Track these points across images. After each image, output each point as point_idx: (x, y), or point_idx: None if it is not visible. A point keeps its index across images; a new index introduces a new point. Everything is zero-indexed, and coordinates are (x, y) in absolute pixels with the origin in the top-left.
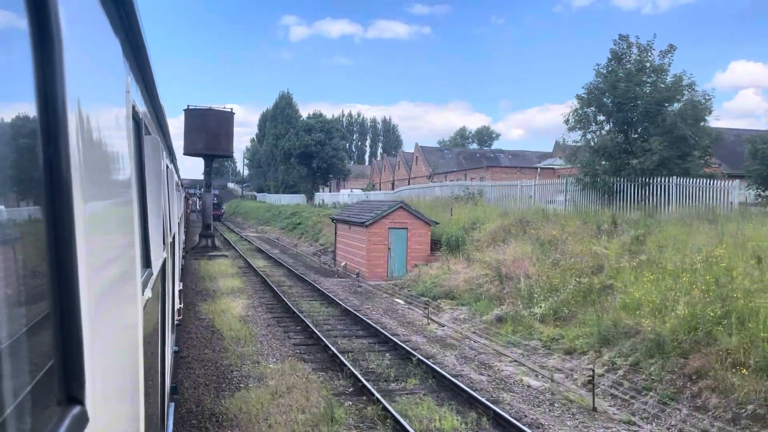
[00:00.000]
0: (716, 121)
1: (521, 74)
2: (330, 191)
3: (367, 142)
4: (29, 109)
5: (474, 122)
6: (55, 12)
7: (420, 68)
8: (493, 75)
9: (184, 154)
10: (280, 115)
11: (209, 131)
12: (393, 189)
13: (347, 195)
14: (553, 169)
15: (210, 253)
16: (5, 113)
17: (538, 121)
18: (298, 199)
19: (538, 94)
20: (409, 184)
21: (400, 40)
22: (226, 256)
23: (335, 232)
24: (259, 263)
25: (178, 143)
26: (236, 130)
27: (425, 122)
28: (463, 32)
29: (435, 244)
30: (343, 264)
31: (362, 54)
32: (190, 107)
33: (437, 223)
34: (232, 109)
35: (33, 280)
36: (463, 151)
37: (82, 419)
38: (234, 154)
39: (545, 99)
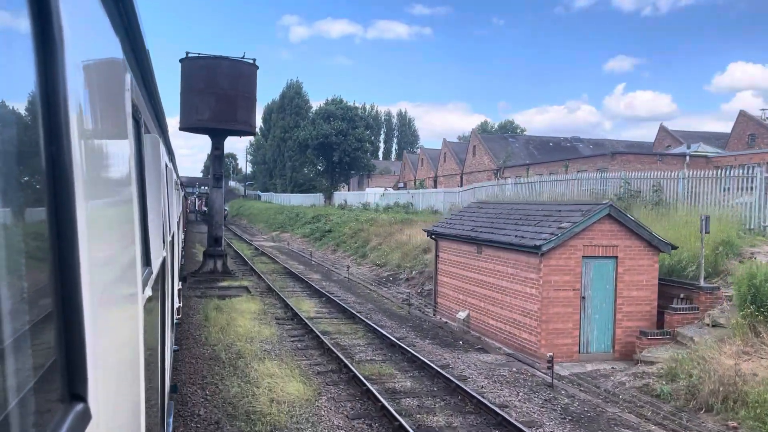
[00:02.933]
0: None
1: (520, 75)
2: (348, 190)
3: (381, 137)
4: (30, 107)
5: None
6: (56, 11)
7: (420, 69)
8: (493, 76)
9: (181, 128)
10: (288, 106)
11: (220, 93)
12: (435, 186)
13: (380, 194)
14: (706, 157)
15: (221, 284)
16: (6, 112)
17: (537, 122)
18: (311, 199)
19: (536, 96)
20: (462, 180)
21: (401, 41)
22: (248, 290)
23: (436, 258)
24: (305, 306)
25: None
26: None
27: (425, 123)
28: (464, 33)
29: (668, 292)
30: (462, 317)
31: (362, 54)
32: (190, 55)
33: (674, 247)
34: (254, 60)
35: (36, 278)
36: (531, 139)
37: (85, 416)
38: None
39: (543, 101)
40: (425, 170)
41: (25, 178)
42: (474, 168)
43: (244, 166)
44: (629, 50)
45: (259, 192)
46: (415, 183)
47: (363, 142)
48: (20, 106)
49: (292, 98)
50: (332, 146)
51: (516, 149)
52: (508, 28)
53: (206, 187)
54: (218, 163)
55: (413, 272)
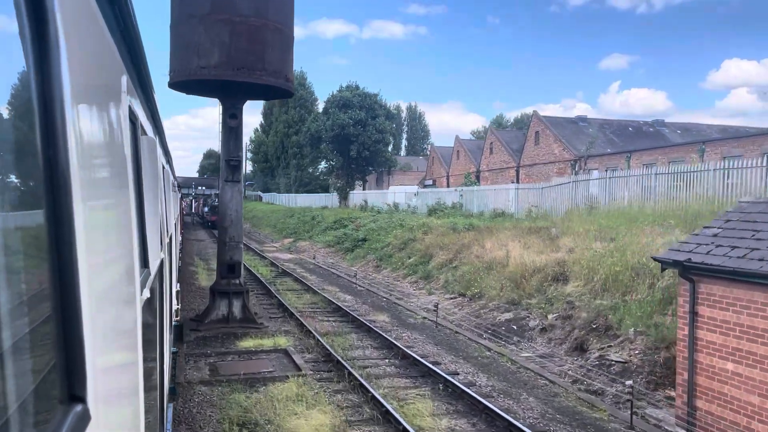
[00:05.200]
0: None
1: (516, 74)
2: (364, 189)
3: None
4: (26, 109)
5: (469, 122)
6: (52, 13)
7: (415, 68)
8: (488, 75)
9: (172, 84)
10: (292, 98)
11: (238, 21)
12: (478, 181)
13: (413, 193)
14: None
15: (242, 344)
16: (2, 114)
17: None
18: (323, 199)
19: (531, 95)
20: (518, 174)
21: (396, 40)
22: (291, 360)
23: (693, 318)
24: (424, 415)
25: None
26: None
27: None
28: (459, 32)
29: None
30: None
31: (358, 54)
32: None
33: None
34: None
35: (34, 280)
36: (606, 123)
37: (84, 418)
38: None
39: (539, 99)
40: (461, 164)
41: (22, 181)
42: (537, 159)
43: (244, 164)
44: (624, 48)
45: (260, 192)
46: (447, 180)
47: (384, 134)
48: (16, 109)
49: (296, 90)
50: (349, 139)
51: (589, 134)
52: (503, 27)
53: (204, 188)
54: (235, 141)
55: (550, 317)
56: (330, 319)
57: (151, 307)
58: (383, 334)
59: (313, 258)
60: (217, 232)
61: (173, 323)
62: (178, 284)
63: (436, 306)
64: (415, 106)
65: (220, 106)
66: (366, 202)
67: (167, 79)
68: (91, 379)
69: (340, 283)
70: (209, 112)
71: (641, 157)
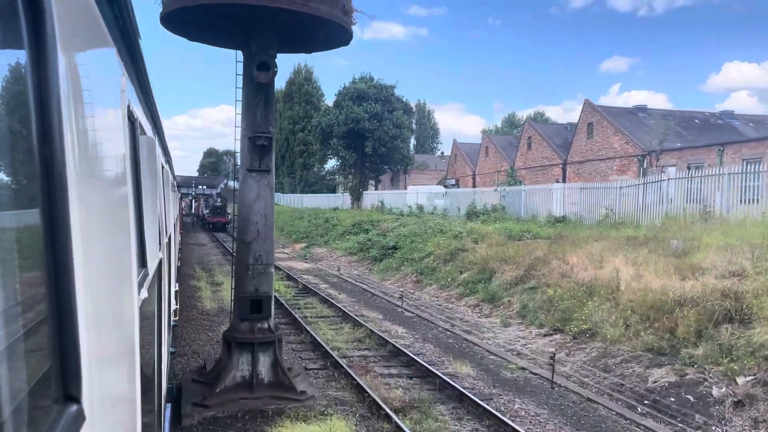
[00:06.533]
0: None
1: (516, 76)
2: (376, 188)
3: None
4: (24, 109)
5: (469, 124)
6: (50, 12)
7: (416, 70)
8: (488, 77)
9: (165, 15)
10: (297, 94)
11: None
12: (514, 180)
13: (441, 194)
14: None
15: None
16: (1, 114)
17: None
18: (332, 200)
19: (532, 97)
20: (564, 171)
21: (397, 42)
22: None
23: None
24: None
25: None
26: (229, 131)
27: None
28: (460, 34)
29: None
30: None
31: (358, 56)
32: None
33: None
34: None
35: (30, 280)
36: (670, 113)
37: (79, 418)
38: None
39: (539, 101)
40: (490, 161)
41: (19, 180)
42: (590, 154)
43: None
44: (625, 50)
45: None
46: (473, 179)
47: (402, 129)
48: (14, 108)
49: (301, 85)
50: (364, 134)
51: (651, 126)
52: (503, 29)
53: (204, 187)
54: (265, 107)
55: (741, 380)
56: (392, 371)
57: (149, 307)
58: (486, 406)
59: (338, 270)
60: (235, 247)
61: (171, 323)
62: (177, 284)
63: (552, 358)
64: (424, 103)
65: (239, 57)
66: (382, 203)
67: (158, 81)
68: (86, 379)
69: (378, 305)
70: (209, 112)
71: (740, 151)
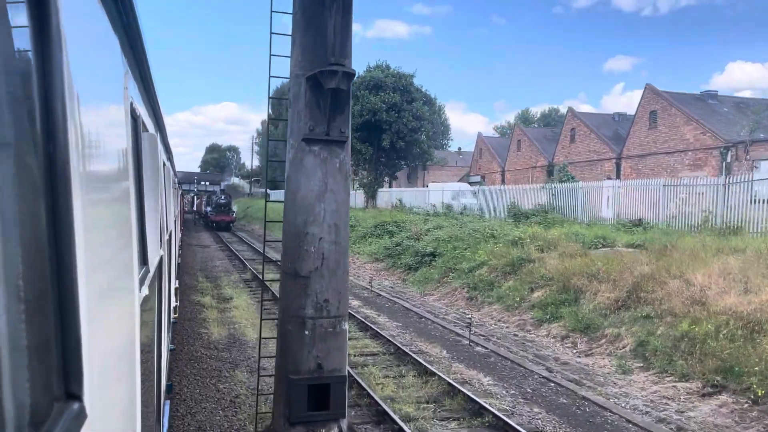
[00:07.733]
0: None
1: (519, 75)
2: (391, 186)
3: None
4: (27, 105)
5: (470, 121)
6: (55, 9)
7: (419, 68)
8: (491, 75)
9: None
10: None
11: None
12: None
13: (471, 192)
14: None
15: None
16: (3, 110)
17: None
18: None
19: (534, 95)
20: (619, 166)
21: (401, 40)
22: None
23: None
24: None
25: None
26: (232, 128)
27: None
28: (464, 32)
29: None
30: None
31: (362, 54)
32: None
33: None
34: None
35: (32, 276)
36: (742, 101)
37: (81, 415)
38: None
39: (541, 100)
40: (523, 156)
41: (21, 177)
42: (653, 146)
43: (251, 161)
44: (628, 50)
45: (268, 189)
46: (503, 176)
47: (422, 121)
48: (17, 104)
49: None
50: (381, 126)
51: (725, 114)
52: (507, 28)
53: (207, 183)
54: (342, 15)
55: None
56: None
57: (149, 304)
58: None
59: (369, 283)
60: (279, 280)
61: (171, 321)
62: (177, 281)
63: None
64: (435, 98)
65: None
66: (401, 201)
67: (162, 78)
68: (88, 376)
69: (434, 333)
70: (211, 109)
71: None
